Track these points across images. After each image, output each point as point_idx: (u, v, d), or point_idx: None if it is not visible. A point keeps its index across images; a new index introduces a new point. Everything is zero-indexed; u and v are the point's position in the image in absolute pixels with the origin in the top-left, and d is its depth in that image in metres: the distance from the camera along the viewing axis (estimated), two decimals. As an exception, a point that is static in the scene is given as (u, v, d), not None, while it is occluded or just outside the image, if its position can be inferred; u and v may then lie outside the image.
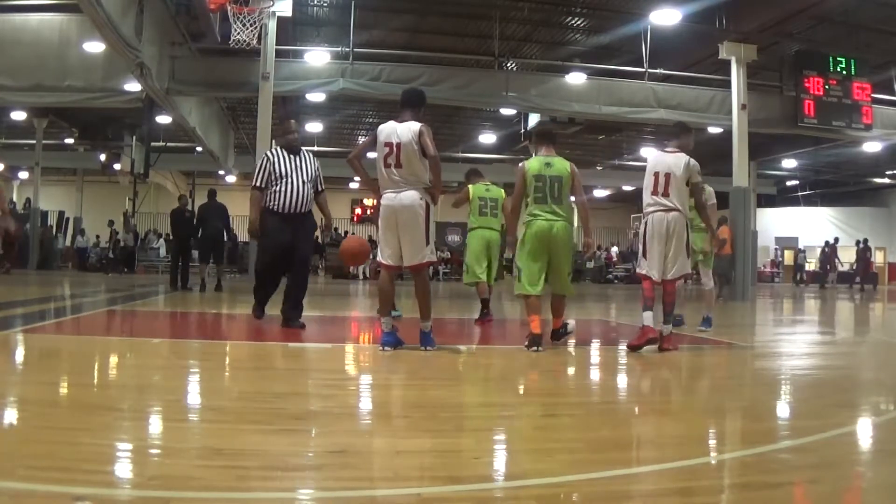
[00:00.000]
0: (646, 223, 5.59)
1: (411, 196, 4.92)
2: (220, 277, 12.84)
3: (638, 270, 5.76)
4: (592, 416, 3.35)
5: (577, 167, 5.57)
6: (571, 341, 5.80)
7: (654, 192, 5.54)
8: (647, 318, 5.46)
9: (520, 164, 5.62)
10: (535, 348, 5.21)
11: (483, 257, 7.41)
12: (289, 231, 6.16)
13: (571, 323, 5.94)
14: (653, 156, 5.78)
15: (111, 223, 24.89)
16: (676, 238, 5.51)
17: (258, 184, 6.20)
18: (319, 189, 6.39)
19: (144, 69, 11.83)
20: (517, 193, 5.55)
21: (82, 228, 26.52)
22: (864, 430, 3.16)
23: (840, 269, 25.66)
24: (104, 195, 28.74)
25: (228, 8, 11.69)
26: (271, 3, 12.51)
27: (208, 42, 13.75)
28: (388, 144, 4.97)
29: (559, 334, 5.68)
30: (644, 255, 5.62)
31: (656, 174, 5.55)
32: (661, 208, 5.50)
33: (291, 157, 6.24)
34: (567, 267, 5.55)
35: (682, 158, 5.56)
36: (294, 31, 15.80)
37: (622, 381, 4.60)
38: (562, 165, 5.48)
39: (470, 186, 7.63)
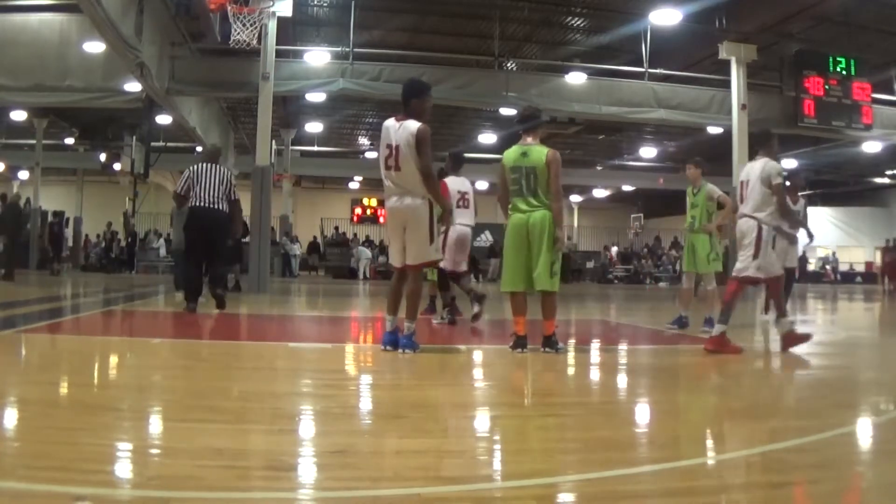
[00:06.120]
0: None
1: (414, 198, 4.86)
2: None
3: (746, 273, 5.59)
4: (592, 416, 3.34)
5: (559, 156, 5.13)
6: (571, 341, 5.78)
7: (742, 202, 5.75)
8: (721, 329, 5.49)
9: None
10: (519, 350, 5.05)
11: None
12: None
13: (562, 345, 5.30)
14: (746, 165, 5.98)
15: (109, 224, 24.88)
16: (745, 240, 5.69)
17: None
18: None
19: (144, 69, 11.83)
20: (500, 186, 5.34)
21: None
22: (864, 430, 3.16)
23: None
24: (104, 195, 28.73)
25: (228, 8, 11.67)
26: (271, 3, 12.49)
27: (208, 42, 13.73)
28: (389, 146, 4.89)
29: (551, 342, 5.08)
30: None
31: (741, 183, 5.80)
32: (741, 216, 5.74)
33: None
34: (546, 258, 4.98)
35: (758, 163, 5.72)
36: (294, 31, 15.78)
37: (622, 381, 4.59)
38: (537, 155, 5.08)
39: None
